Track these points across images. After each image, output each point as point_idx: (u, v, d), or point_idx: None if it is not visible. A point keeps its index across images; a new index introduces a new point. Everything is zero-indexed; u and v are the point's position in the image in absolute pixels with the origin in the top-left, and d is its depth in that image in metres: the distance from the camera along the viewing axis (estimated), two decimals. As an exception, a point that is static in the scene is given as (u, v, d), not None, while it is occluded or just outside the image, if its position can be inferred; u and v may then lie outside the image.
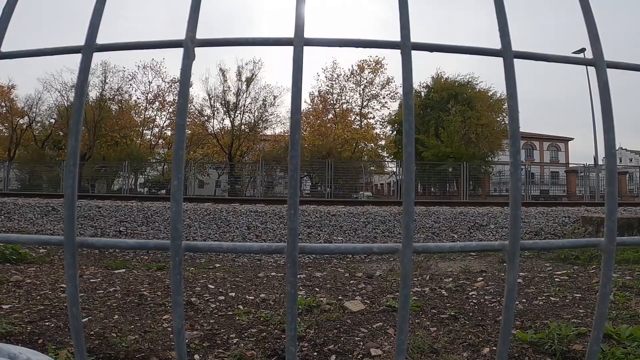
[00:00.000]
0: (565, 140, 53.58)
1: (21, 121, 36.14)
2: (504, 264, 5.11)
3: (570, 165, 34.60)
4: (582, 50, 22.93)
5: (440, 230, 6.66)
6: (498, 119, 35.07)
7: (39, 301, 2.94)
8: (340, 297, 3.40)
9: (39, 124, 36.94)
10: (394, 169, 43.02)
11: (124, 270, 4.61)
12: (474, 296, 3.52)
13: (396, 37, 0.39)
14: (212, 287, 3.78)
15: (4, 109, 36.64)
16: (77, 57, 0.39)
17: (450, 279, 4.28)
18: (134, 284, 3.72)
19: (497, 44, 0.40)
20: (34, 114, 36.20)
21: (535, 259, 5.56)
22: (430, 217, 7.06)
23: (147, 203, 7.94)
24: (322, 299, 3.22)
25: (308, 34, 0.38)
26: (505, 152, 38.72)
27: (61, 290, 3.23)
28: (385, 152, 38.23)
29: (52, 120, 36.29)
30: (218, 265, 5.24)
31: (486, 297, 3.48)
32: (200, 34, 0.38)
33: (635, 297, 3.33)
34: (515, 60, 0.39)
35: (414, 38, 0.39)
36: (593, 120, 22.78)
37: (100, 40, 0.39)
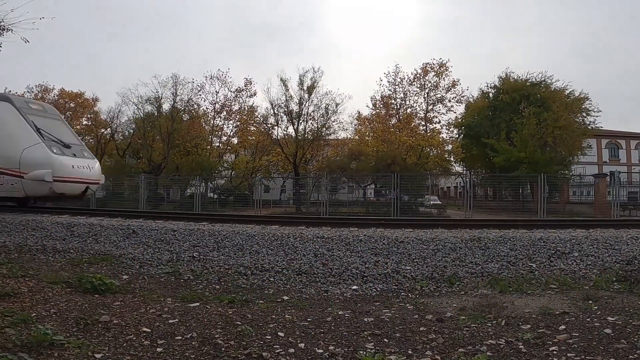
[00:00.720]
0: (657, 137, 48.95)
1: (104, 132, 39.61)
2: (589, 302, 4.72)
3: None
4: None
5: (517, 259, 6.28)
6: (577, 119, 32.75)
7: (126, 349, 3.13)
8: (410, 352, 3.29)
9: (120, 135, 40.27)
10: (461, 170, 41.53)
11: (198, 303, 4.79)
12: (555, 352, 3.26)
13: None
14: (282, 334, 3.80)
15: (90, 121, 40.44)
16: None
17: (529, 325, 4.00)
18: (208, 327, 3.84)
19: None
20: (115, 125, 39.45)
21: (627, 294, 5.06)
22: (505, 244, 6.69)
23: (217, 226, 8.25)
24: (391, 357, 3.14)
25: None
26: (585, 154, 36.06)
27: (144, 336, 3.42)
28: (452, 157, 36.99)
29: (131, 131, 39.32)
30: (286, 297, 5.28)
31: (569, 354, 3.21)
32: None
33: None
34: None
35: None
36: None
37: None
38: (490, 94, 38.48)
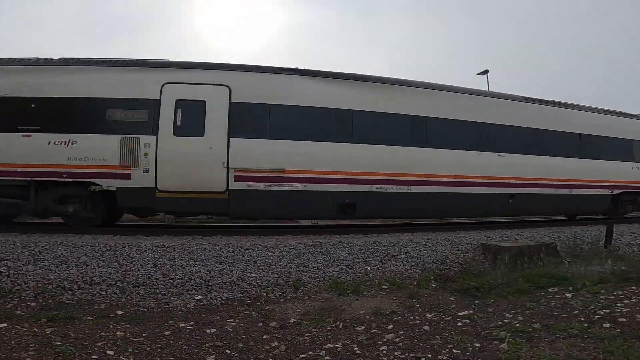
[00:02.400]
0: None
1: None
2: (413, 300, 5.31)
3: None
4: None
5: (354, 262, 6.76)
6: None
7: None
8: (251, 364, 3.25)
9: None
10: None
11: (5, 324, 4.08)
12: (384, 352, 3.57)
13: None
14: (111, 353, 3.45)
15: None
16: None
17: (363, 326, 4.31)
18: (17, 350, 3.28)
19: None
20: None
21: (442, 291, 5.82)
22: (344, 248, 7.14)
23: (35, 236, 7.10)
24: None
25: None
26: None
27: None
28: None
29: None
30: (120, 312, 4.80)
31: (396, 353, 3.54)
32: None
33: (526, 345, 3.56)
34: None
35: None
36: None
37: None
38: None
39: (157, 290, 5.52)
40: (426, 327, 4.17)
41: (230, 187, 8.37)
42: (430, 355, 3.44)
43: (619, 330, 3.82)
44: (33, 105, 8.28)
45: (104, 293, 5.37)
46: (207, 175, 8.36)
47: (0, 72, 8.44)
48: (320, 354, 3.59)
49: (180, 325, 4.36)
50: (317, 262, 6.67)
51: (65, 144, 8.17)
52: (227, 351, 3.63)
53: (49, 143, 8.14)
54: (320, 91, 9.20)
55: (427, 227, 9.91)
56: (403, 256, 7.15)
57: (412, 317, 4.56)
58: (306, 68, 9.50)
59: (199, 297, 5.48)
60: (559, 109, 12.02)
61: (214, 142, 8.43)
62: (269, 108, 8.79)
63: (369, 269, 6.64)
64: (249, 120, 8.62)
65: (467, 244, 7.81)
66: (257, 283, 5.97)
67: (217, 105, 8.54)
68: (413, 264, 6.95)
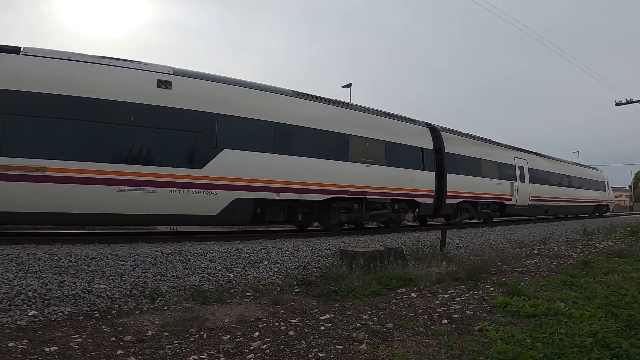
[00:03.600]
0: None
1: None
2: (277, 306, 5.37)
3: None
4: None
5: (217, 270, 6.55)
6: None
7: None
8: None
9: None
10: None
11: None
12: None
13: None
14: None
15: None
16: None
17: (228, 335, 4.20)
18: None
19: None
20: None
21: (304, 296, 5.99)
22: (206, 256, 6.87)
23: None
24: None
25: None
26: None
27: None
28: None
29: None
30: None
31: (264, 361, 3.54)
32: None
33: (382, 344, 3.87)
34: None
35: None
36: None
37: None
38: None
39: (-28, 309, 4.64)
40: (291, 333, 4.24)
41: None
42: (296, 360, 3.51)
43: (454, 326, 4.39)
44: None
45: None
46: None
47: None
48: (183, 367, 3.40)
49: (9, 344, 3.73)
50: (177, 271, 6.31)
51: None
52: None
53: None
54: None
55: (289, 234, 10.13)
56: (266, 262, 7.19)
57: (277, 323, 4.60)
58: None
59: (33, 312, 4.75)
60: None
61: None
62: None
63: (232, 276, 6.52)
64: None
65: (327, 249, 8.19)
66: (107, 295, 5.41)
67: None
68: (276, 270, 7.03)
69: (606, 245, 11.39)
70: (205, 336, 4.19)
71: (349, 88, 26.82)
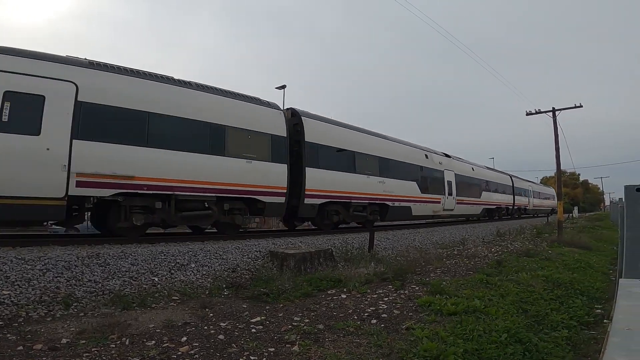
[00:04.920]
0: None
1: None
2: (206, 310, 5.18)
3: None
4: None
5: (139, 273, 6.18)
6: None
7: None
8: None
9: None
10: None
11: None
12: (180, 367, 3.37)
13: None
14: None
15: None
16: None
17: (154, 340, 3.98)
18: None
19: None
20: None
21: (234, 299, 5.84)
22: (127, 259, 6.46)
23: None
24: None
25: None
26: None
27: None
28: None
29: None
30: None
31: (193, 366, 3.39)
32: None
33: (314, 345, 3.87)
34: None
35: None
36: None
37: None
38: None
39: None
40: (221, 337, 4.11)
41: None
42: (228, 365, 3.40)
43: (383, 325, 4.50)
44: None
45: None
46: None
47: None
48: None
49: None
50: (94, 275, 5.88)
51: None
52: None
53: None
54: None
55: (218, 236, 9.85)
56: (193, 265, 6.93)
57: (206, 327, 4.43)
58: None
59: None
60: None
61: None
62: None
63: (156, 279, 6.20)
64: None
65: (257, 251, 8.07)
66: (12, 301, 4.93)
67: None
68: (204, 272, 6.80)
69: (516, 245, 12.33)
70: (127, 342, 3.94)
71: (283, 89, 26.68)
